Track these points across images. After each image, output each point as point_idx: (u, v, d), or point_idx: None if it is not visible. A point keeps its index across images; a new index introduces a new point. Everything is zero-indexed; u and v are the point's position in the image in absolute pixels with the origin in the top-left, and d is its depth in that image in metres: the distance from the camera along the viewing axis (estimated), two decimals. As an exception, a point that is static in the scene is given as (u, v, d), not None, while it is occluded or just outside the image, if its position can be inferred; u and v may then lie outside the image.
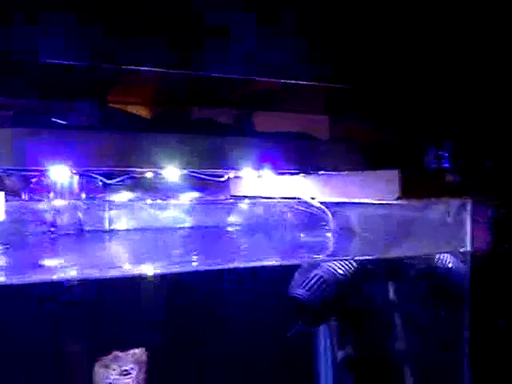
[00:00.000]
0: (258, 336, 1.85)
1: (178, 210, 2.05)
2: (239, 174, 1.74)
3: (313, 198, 1.92)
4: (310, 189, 1.50)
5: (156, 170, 1.55)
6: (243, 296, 1.84)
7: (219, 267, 1.53)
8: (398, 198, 1.07)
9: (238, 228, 1.99)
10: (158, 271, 1.56)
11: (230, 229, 2.01)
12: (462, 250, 1.20)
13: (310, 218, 1.93)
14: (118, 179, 1.66)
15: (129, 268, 1.60)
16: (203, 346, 1.83)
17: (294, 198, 1.88)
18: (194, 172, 1.74)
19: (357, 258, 1.41)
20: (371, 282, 1.48)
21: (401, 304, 1.53)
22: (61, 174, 1.68)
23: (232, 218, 2.02)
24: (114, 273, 1.48)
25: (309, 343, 1.91)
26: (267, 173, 1.66)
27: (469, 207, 1.18)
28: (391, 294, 1.53)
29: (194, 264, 1.59)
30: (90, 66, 1.31)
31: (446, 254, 1.43)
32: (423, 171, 1.12)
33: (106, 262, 1.63)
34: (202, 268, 1.58)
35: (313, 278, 1.44)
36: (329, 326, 1.63)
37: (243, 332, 1.84)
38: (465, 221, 1.19)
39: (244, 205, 2.01)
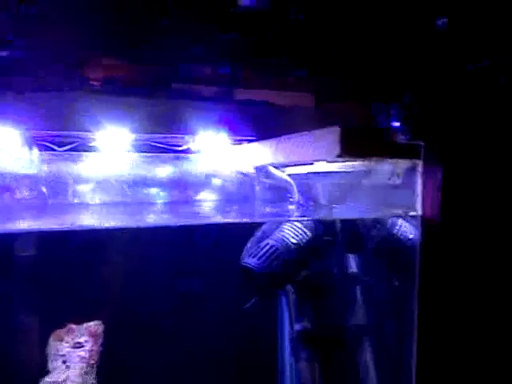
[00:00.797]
0: (219, 309, 1.80)
1: (146, 184, 1.99)
2: (197, 143, 1.67)
3: (283, 171, 1.87)
4: (264, 155, 1.44)
5: (105, 132, 1.50)
6: (204, 269, 1.79)
7: (179, 224, 1.50)
8: (339, 156, 1.01)
9: (204, 201, 1.93)
10: (114, 224, 1.53)
11: (197, 203, 1.95)
12: (412, 214, 1.14)
13: (276, 189, 1.87)
14: (69, 146, 1.59)
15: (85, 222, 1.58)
16: (162, 318, 1.78)
17: (260, 169, 1.82)
18: (152, 141, 1.68)
19: (299, 218, 1.36)
20: (327, 252, 1.43)
21: (359, 276, 1.47)
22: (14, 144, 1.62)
23: (199, 192, 1.95)
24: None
25: (273, 318, 1.85)
26: (224, 139, 1.60)
27: (419, 169, 1.11)
28: (349, 266, 1.47)
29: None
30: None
31: (403, 221, 1.37)
32: (368, 129, 1.05)
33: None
34: (162, 223, 1.55)
35: (264, 247, 1.39)
36: (288, 299, 1.57)
37: (204, 306, 1.80)
38: (415, 184, 1.12)
39: (211, 178, 1.95)
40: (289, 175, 1.84)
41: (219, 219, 1.52)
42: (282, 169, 1.83)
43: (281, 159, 1.31)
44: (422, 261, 1.12)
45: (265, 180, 1.99)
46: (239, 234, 1.54)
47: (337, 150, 1.00)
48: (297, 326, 1.50)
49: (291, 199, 1.81)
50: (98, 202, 1.97)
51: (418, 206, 1.12)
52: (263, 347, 1.85)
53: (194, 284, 1.79)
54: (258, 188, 2.03)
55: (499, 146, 1.10)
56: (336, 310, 1.47)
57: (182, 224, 1.53)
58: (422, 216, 1.11)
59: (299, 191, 1.83)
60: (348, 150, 1.00)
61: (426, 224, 1.11)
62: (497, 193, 1.09)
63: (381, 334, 1.46)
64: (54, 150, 1.62)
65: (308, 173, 1.67)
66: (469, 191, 1.10)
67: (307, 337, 1.48)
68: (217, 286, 1.80)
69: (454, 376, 1.10)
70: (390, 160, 1.13)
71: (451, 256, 1.10)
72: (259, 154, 1.47)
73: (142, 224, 1.59)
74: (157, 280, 1.78)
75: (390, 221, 1.41)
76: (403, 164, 1.16)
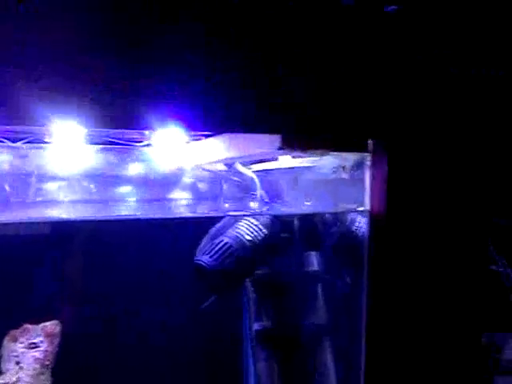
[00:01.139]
0: (183, 311, 1.77)
1: (107, 180, 1.96)
2: (158, 138, 1.64)
3: (249, 168, 1.84)
4: (220, 150, 1.40)
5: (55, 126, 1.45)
6: (166, 269, 1.75)
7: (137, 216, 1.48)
8: (280, 149, 0.98)
9: (166, 199, 1.89)
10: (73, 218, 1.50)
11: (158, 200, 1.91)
12: (361, 209, 1.11)
13: (243, 186, 1.84)
14: (24, 141, 1.55)
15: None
16: (122, 318, 1.74)
17: (229, 166, 1.79)
18: (110, 136, 1.65)
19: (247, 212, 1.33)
20: (285, 249, 1.40)
21: (319, 274, 1.44)
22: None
23: (159, 189, 1.92)
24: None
25: (238, 318, 1.82)
26: (183, 135, 1.57)
27: (368, 162, 1.09)
28: (309, 263, 1.44)
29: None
30: None
31: (362, 218, 1.34)
32: (311, 122, 1.02)
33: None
34: (124, 217, 1.52)
35: (218, 245, 1.36)
36: (248, 298, 1.54)
37: (166, 306, 1.76)
38: (363, 177, 1.10)
39: (173, 175, 1.92)
40: (256, 171, 1.81)
41: (171, 215, 1.48)
42: (249, 165, 1.80)
43: (234, 154, 1.28)
44: (371, 255, 1.09)
45: (231, 177, 1.96)
46: (196, 230, 1.51)
47: (278, 142, 0.97)
48: (255, 326, 1.47)
49: (253, 196, 1.78)
50: (61, 198, 1.94)
51: (366, 200, 1.10)
52: (228, 348, 1.82)
53: (155, 283, 1.76)
54: (225, 186, 2.00)
55: (448, 137, 1.07)
56: (296, 309, 1.44)
57: (139, 218, 1.49)
58: (370, 210, 1.09)
59: (264, 188, 1.79)
60: (289, 142, 0.97)
61: (374, 218, 1.08)
62: (445, 184, 1.07)
63: (341, 333, 1.43)
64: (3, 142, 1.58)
65: (273, 169, 1.64)
66: (418, 183, 1.07)
67: (266, 336, 1.45)
68: (180, 284, 1.77)
69: (401, 366, 1.08)
70: (337, 153, 1.10)
71: (399, 249, 1.08)
72: (215, 150, 1.43)
73: (102, 218, 1.56)
74: (117, 278, 1.74)
75: (349, 217, 1.38)
76: (353, 157, 1.13)
